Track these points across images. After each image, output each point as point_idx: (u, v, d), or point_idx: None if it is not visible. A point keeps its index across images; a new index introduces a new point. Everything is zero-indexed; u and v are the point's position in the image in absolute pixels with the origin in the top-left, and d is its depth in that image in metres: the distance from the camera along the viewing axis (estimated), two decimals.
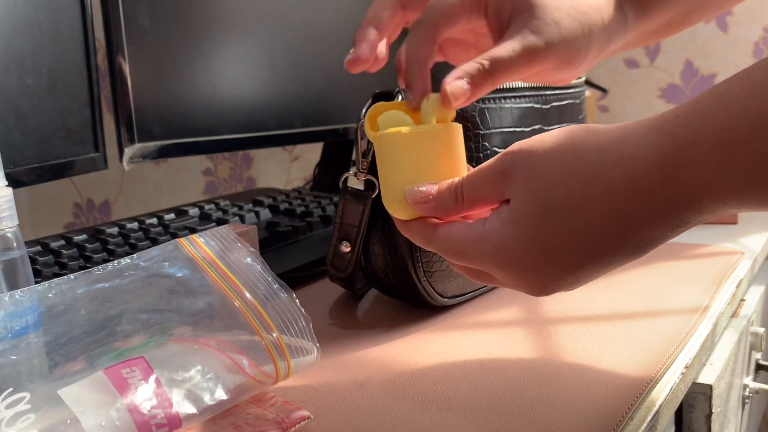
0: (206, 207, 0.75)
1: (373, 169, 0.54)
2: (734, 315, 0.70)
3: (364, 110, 0.54)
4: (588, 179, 0.35)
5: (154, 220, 0.71)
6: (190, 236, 0.44)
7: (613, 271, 0.38)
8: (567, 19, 0.43)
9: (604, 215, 0.35)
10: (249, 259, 0.43)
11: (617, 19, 0.46)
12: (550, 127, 0.66)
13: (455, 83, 0.42)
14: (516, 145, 0.39)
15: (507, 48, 0.42)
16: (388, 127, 0.43)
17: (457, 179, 0.41)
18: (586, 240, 0.36)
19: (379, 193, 0.54)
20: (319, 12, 0.87)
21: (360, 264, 0.57)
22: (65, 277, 0.39)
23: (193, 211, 0.74)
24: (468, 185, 0.40)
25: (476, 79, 0.42)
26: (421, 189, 0.41)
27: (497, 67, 0.42)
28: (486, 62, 0.42)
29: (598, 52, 0.46)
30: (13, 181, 0.41)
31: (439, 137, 0.43)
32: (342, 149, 1.03)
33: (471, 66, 0.43)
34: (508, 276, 0.39)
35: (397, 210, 0.43)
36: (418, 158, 0.42)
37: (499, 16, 0.45)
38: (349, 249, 0.56)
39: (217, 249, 0.43)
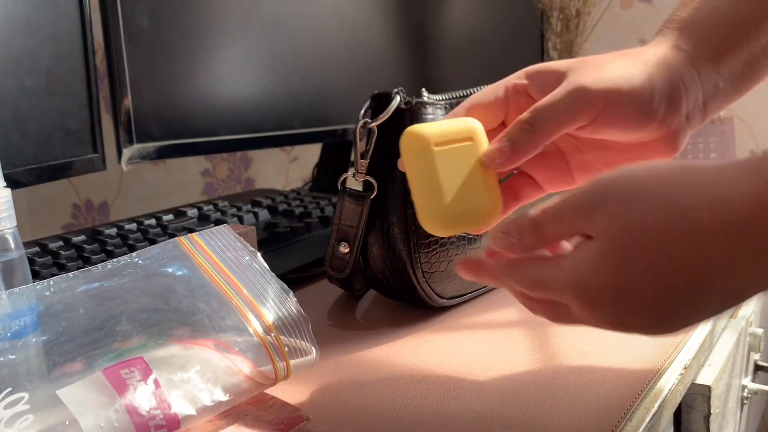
0: (205, 208, 0.75)
1: (371, 170, 0.54)
2: (733, 316, 0.70)
3: (362, 111, 0.55)
4: (676, 221, 0.34)
5: (153, 221, 0.71)
6: (190, 235, 0.44)
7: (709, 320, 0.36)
8: (611, 62, 0.43)
9: (687, 256, 0.33)
10: (248, 259, 0.43)
11: (681, 61, 0.44)
12: None
13: (490, 147, 0.42)
14: (605, 181, 0.37)
15: (548, 96, 0.42)
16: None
17: (535, 213, 0.39)
18: (666, 280, 0.34)
19: (380, 195, 0.54)
20: (318, 13, 0.87)
21: (359, 265, 0.57)
22: (64, 275, 0.39)
23: (192, 212, 0.74)
24: (551, 222, 0.38)
25: (516, 137, 0.42)
26: (502, 233, 0.39)
27: (538, 117, 0.41)
28: (526, 115, 0.42)
29: (676, 100, 0.43)
30: (12, 182, 0.41)
31: (474, 153, 0.43)
32: (341, 150, 1.03)
33: (511, 126, 0.42)
34: (585, 311, 0.37)
35: (435, 228, 0.43)
36: (454, 175, 0.42)
37: (545, 89, 0.44)
38: (347, 250, 0.56)
39: (217, 248, 0.43)
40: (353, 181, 0.55)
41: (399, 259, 0.54)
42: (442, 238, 0.55)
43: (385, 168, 0.54)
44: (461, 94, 0.56)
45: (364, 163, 0.54)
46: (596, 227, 0.36)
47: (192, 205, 0.77)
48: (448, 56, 1.07)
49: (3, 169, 0.40)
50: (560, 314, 0.40)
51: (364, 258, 0.57)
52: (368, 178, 0.54)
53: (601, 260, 0.35)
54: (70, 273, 0.39)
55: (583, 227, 0.36)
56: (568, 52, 1.09)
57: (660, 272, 0.34)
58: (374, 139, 0.54)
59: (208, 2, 0.76)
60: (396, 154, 0.52)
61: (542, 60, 1.12)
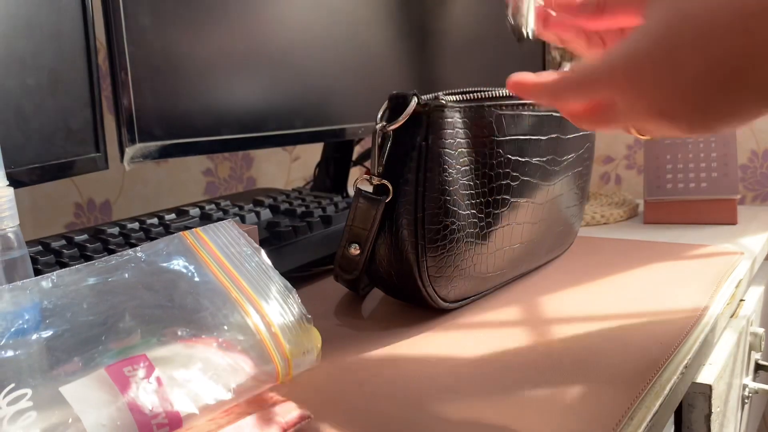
0: (207, 207, 0.76)
1: (387, 174, 0.54)
2: (733, 315, 0.70)
3: (380, 113, 0.54)
4: (724, 3, 0.34)
5: (155, 220, 0.71)
6: (194, 230, 0.44)
7: (741, 117, 0.35)
8: None
9: (735, 31, 0.33)
10: (252, 256, 0.44)
11: None
12: (566, 137, 0.66)
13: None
14: None
15: None
16: None
17: None
18: (711, 57, 0.34)
19: (392, 197, 0.54)
20: (320, 13, 0.87)
21: (364, 264, 0.57)
22: (67, 269, 0.39)
23: (194, 211, 0.74)
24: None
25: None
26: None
27: None
28: None
29: None
30: (14, 181, 0.41)
31: None
32: (342, 149, 1.03)
33: None
34: (631, 93, 0.37)
35: None
36: None
37: None
38: (358, 252, 0.55)
39: (220, 244, 0.43)
40: (367, 183, 0.55)
41: (405, 262, 0.54)
42: (451, 242, 0.55)
43: (398, 170, 0.54)
44: (477, 96, 0.56)
45: (381, 167, 0.54)
46: (649, 10, 0.37)
47: (194, 205, 0.77)
48: (448, 56, 1.07)
49: (5, 168, 0.40)
50: (604, 110, 0.40)
51: (370, 257, 0.57)
52: (384, 182, 0.54)
53: (653, 37, 0.36)
54: (74, 266, 0.39)
55: (638, 8, 0.39)
56: (570, 51, 1.08)
57: (707, 48, 0.34)
58: (389, 143, 0.54)
59: (210, 2, 0.76)
60: (410, 156, 0.52)
61: (543, 60, 1.12)
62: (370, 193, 0.54)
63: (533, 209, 0.63)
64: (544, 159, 0.63)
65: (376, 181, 0.54)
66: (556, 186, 0.66)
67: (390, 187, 0.54)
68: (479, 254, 0.58)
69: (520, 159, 0.60)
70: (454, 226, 0.54)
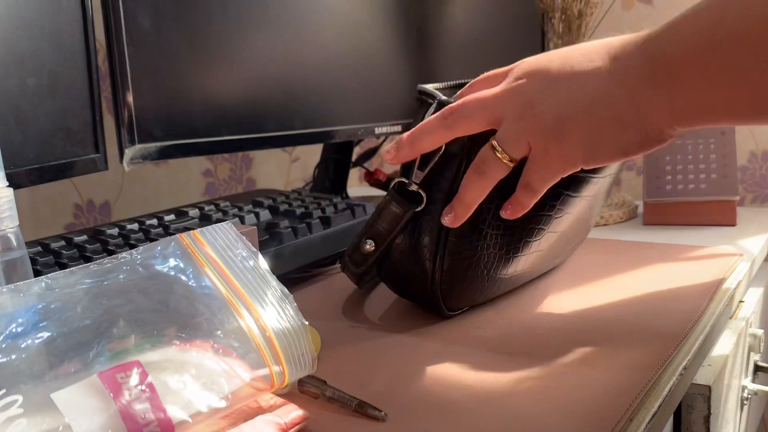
0: (206, 208, 0.76)
1: (426, 182, 0.53)
2: (733, 316, 0.70)
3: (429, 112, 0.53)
4: (570, 48, 0.53)
5: (154, 221, 0.71)
6: (191, 232, 0.43)
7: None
8: None
9: (576, 50, 0.51)
10: (249, 259, 0.43)
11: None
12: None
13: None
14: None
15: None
16: None
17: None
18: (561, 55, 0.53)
19: (425, 208, 0.53)
20: (320, 13, 0.87)
21: (375, 261, 0.56)
22: (62, 271, 0.38)
23: (193, 212, 0.74)
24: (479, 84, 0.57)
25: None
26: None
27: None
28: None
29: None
30: (14, 182, 0.41)
31: None
32: (341, 150, 1.03)
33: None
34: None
35: None
36: None
37: None
38: (373, 248, 0.55)
39: (218, 246, 0.43)
40: (402, 186, 0.54)
41: (420, 266, 0.54)
42: (471, 257, 0.54)
43: (433, 179, 0.53)
44: None
45: (421, 174, 0.53)
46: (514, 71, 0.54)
47: (193, 205, 0.77)
48: (449, 57, 1.07)
49: (5, 169, 0.40)
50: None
51: (385, 255, 0.56)
52: (420, 190, 0.53)
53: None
54: (69, 269, 0.38)
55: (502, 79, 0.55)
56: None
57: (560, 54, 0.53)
58: (440, 153, 0.52)
59: (209, 2, 0.76)
60: (449, 166, 0.52)
61: None
62: (403, 198, 0.54)
63: (559, 236, 0.61)
64: (591, 194, 0.60)
65: (414, 188, 0.53)
66: (586, 199, 0.62)
67: (425, 197, 0.53)
68: (493, 276, 0.57)
69: (572, 195, 0.57)
70: (478, 243, 0.54)
